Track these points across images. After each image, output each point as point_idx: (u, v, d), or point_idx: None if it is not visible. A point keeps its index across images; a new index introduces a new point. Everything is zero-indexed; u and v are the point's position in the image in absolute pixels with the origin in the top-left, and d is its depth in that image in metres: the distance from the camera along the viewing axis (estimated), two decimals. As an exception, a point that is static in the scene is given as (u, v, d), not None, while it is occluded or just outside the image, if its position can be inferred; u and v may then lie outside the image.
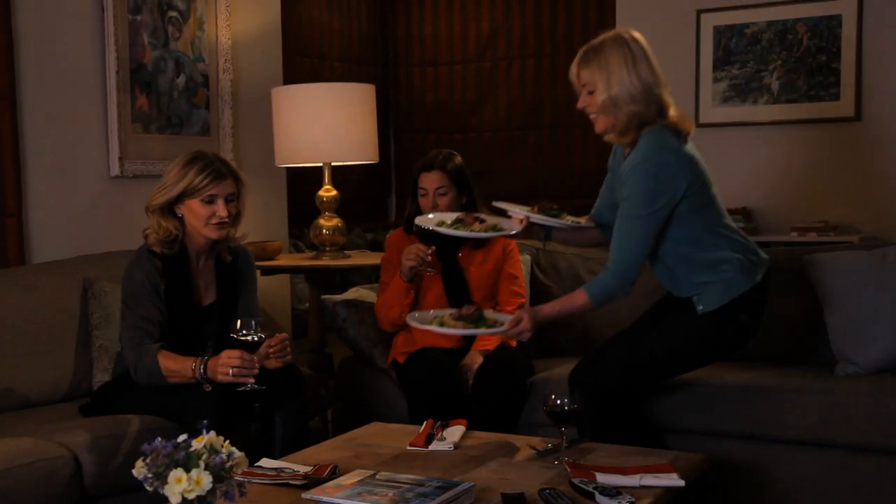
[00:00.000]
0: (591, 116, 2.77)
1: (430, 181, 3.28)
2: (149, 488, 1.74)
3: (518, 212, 2.88)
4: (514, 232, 2.89)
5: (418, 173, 3.32)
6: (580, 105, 2.78)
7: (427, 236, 3.14)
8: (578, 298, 2.71)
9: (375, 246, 5.97)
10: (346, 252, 4.30)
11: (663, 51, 5.05)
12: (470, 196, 3.34)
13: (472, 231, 2.89)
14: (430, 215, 3.06)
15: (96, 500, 2.72)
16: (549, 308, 2.68)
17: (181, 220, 2.89)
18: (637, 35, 2.75)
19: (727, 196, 4.83)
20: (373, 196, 6.70)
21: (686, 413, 3.01)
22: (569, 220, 2.90)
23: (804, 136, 4.81)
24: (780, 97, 4.83)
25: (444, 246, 3.33)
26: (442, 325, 2.60)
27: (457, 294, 3.27)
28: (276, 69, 4.74)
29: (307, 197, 4.53)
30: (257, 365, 2.63)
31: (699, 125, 4.98)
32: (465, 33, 6.58)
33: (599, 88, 2.70)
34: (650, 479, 2.25)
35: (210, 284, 2.97)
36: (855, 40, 4.64)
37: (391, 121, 6.75)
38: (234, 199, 2.88)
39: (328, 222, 4.23)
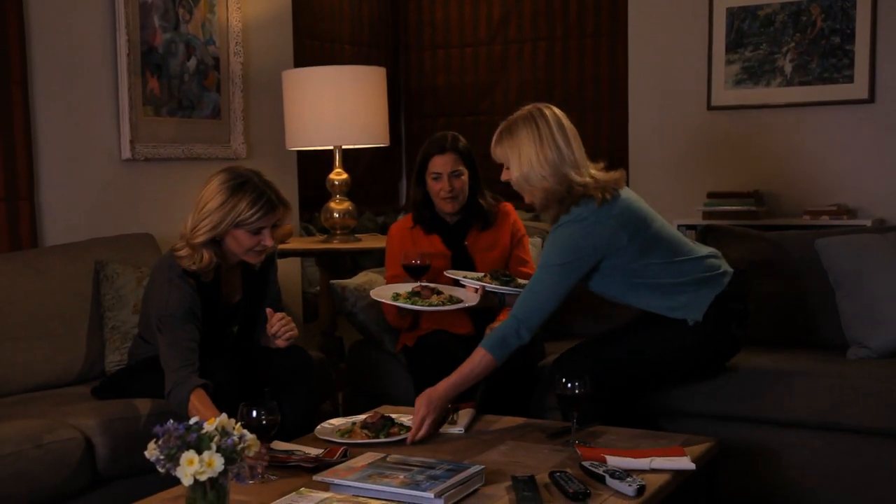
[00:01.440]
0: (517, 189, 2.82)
1: (445, 164, 3.23)
2: (161, 470, 1.75)
3: (471, 282, 2.97)
4: (472, 303, 2.95)
5: (428, 158, 3.26)
6: (503, 178, 2.83)
7: (416, 270, 3.13)
8: (475, 356, 2.66)
9: (386, 229, 5.96)
10: (356, 235, 4.31)
11: (675, 33, 5.10)
12: (476, 178, 3.31)
13: (429, 304, 2.94)
14: (385, 288, 3.10)
15: (108, 482, 2.75)
16: (445, 383, 2.63)
17: (218, 242, 2.76)
18: (548, 112, 2.76)
19: (739, 180, 4.89)
20: (383, 179, 6.70)
21: (696, 396, 3.00)
22: (522, 282, 2.97)
23: (817, 119, 4.78)
24: (794, 79, 4.80)
25: (453, 234, 3.32)
26: (348, 434, 2.57)
27: None
28: (287, 52, 4.73)
29: (318, 180, 4.53)
30: (267, 456, 2.28)
31: (711, 108, 4.97)
32: (477, 16, 6.55)
33: (513, 166, 2.76)
34: (661, 462, 2.25)
35: (238, 286, 2.94)
36: (869, 22, 4.59)
37: (402, 104, 6.74)
38: (278, 224, 2.78)
39: (339, 205, 4.23)
